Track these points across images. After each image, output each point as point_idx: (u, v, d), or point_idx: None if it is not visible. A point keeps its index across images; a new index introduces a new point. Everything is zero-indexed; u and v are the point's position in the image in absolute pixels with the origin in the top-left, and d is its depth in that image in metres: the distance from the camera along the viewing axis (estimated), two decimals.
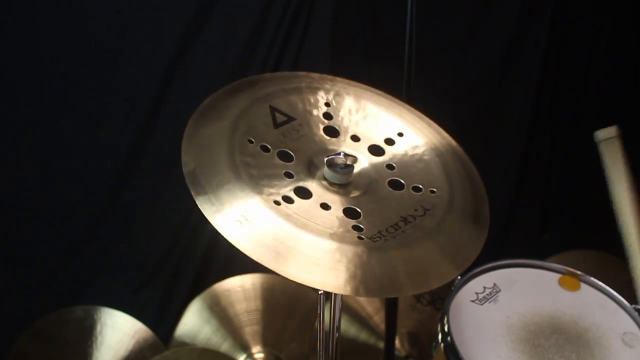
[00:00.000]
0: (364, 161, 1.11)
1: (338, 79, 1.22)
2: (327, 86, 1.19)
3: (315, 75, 1.21)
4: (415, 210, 1.05)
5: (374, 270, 0.94)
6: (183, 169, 0.97)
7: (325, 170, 1.05)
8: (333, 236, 0.96)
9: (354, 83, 1.23)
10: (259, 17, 2.00)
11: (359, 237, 0.97)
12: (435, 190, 1.09)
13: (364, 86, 1.23)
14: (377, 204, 1.05)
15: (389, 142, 1.16)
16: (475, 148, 1.21)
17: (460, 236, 1.04)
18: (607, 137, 0.93)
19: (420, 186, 1.09)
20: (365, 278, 0.93)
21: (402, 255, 0.97)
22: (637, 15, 2.24)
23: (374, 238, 0.98)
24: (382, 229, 1.00)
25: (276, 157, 1.05)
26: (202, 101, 1.09)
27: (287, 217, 0.96)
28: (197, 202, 0.94)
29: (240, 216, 0.94)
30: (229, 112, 1.07)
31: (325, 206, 1.01)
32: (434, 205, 1.06)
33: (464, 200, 1.08)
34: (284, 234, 0.94)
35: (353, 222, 1.00)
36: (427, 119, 1.22)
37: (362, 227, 0.99)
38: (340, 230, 0.97)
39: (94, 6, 1.87)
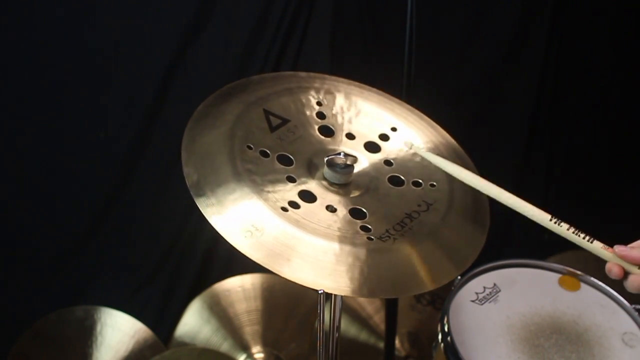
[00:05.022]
0: (362, 159, 1.10)
1: (326, 76, 1.20)
2: (317, 85, 1.18)
3: (303, 74, 1.19)
4: (419, 205, 1.04)
5: (388, 270, 0.94)
6: (186, 180, 0.96)
7: (326, 170, 1.04)
8: (343, 239, 0.95)
9: (342, 80, 1.21)
10: (259, 17, 2.00)
11: (369, 238, 0.97)
12: (435, 183, 1.08)
13: (354, 82, 1.22)
14: (381, 202, 1.04)
15: (384, 137, 1.15)
16: (475, 148, 1.20)
17: (464, 230, 1.04)
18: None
19: (420, 180, 1.08)
20: (380, 279, 0.93)
21: (413, 253, 0.97)
22: (637, 14, 2.24)
23: (383, 237, 0.97)
24: (389, 227, 0.99)
25: (276, 162, 1.04)
26: (202, 101, 1.09)
27: (296, 223, 0.95)
28: (204, 215, 0.93)
29: (251, 226, 0.93)
30: (224, 119, 1.05)
31: (330, 208, 1.00)
32: (435, 200, 1.05)
33: (464, 192, 1.07)
34: (295, 241, 0.93)
35: (360, 222, 0.99)
36: (419, 112, 1.21)
37: (369, 227, 0.99)
38: (350, 232, 0.97)
39: (94, 6, 1.87)
